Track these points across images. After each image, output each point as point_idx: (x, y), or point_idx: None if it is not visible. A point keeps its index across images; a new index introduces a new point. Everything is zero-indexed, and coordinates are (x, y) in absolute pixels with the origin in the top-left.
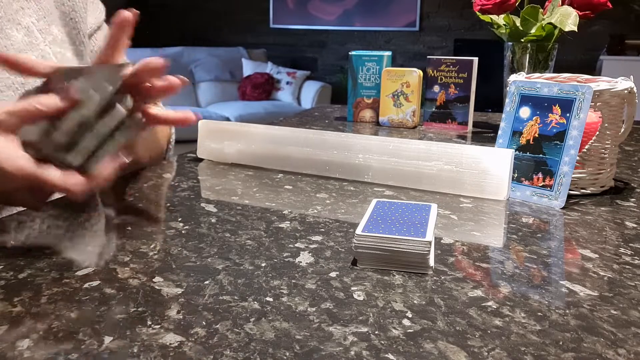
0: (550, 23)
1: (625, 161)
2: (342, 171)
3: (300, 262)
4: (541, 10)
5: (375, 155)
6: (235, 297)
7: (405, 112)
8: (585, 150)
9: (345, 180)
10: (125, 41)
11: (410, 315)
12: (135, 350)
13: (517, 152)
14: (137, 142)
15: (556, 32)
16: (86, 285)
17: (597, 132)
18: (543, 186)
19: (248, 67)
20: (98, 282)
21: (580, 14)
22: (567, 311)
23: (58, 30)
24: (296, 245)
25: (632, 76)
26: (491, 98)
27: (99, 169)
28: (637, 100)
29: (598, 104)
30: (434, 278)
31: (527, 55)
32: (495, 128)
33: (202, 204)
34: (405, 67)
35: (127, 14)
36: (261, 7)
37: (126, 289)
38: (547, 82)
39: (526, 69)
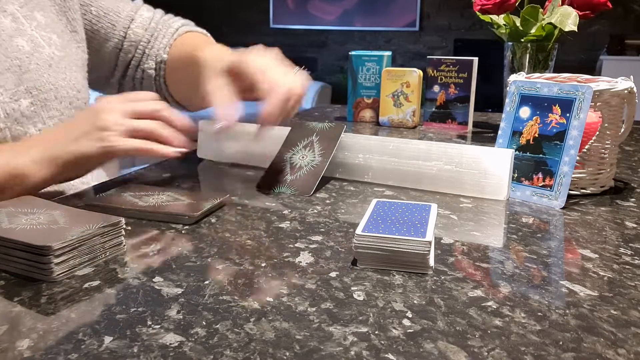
0: (550, 23)
1: (625, 161)
2: (342, 171)
3: (300, 262)
4: (541, 10)
5: (375, 155)
6: (235, 297)
7: (405, 112)
8: (585, 150)
9: (345, 180)
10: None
11: (410, 315)
12: (135, 350)
13: (517, 152)
14: None
15: (556, 32)
16: (86, 285)
17: (597, 132)
18: (543, 186)
19: None
20: (98, 282)
21: (580, 14)
22: (567, 311)
23: (41, 15)
24: (296, 245)
25: (632, 76)
26: (491, 98)
27: None
28: (637, 100)
29: (598, 104)
30: (434, 278)
31: (527, 55)
32: (495, 128)
33: None
34: (405, 67)
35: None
36: (261, 7)
37: (126, 289)
38: (547, 82)
39: (526, 69)
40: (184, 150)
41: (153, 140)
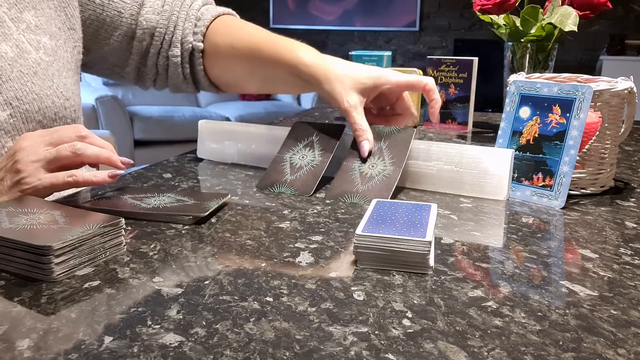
0: (550, 23)
1: (625, 161)
2: None
3: (300, 262)
4: (541, 10)
5: None
6: (235, 297)
7: None
8: (585, 150)
9: None
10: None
11: (410, 315)
12: (135, 350)
13: (517, 152)
14: None
15: (556, 32)
16: (86, 285)
17: (597, 132)
18: (543, 186)
19: None
20: (98, 282)
21: (580, 14)
22: (567, 311)
23: (32, 15)
24: (296, 245)
25: (632, 76)
26: (491, 98)
27: None
28: (637, 100)
29: (598, 104)
30: (434, 278)
31: (527, 55)
32: (495, 128)
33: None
34: (405, 67)
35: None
36: (261, 7)
37: (126, 289)
38: (547, 82)
39: (526, 69)
40: (118, 172)
41: (80, 165)
